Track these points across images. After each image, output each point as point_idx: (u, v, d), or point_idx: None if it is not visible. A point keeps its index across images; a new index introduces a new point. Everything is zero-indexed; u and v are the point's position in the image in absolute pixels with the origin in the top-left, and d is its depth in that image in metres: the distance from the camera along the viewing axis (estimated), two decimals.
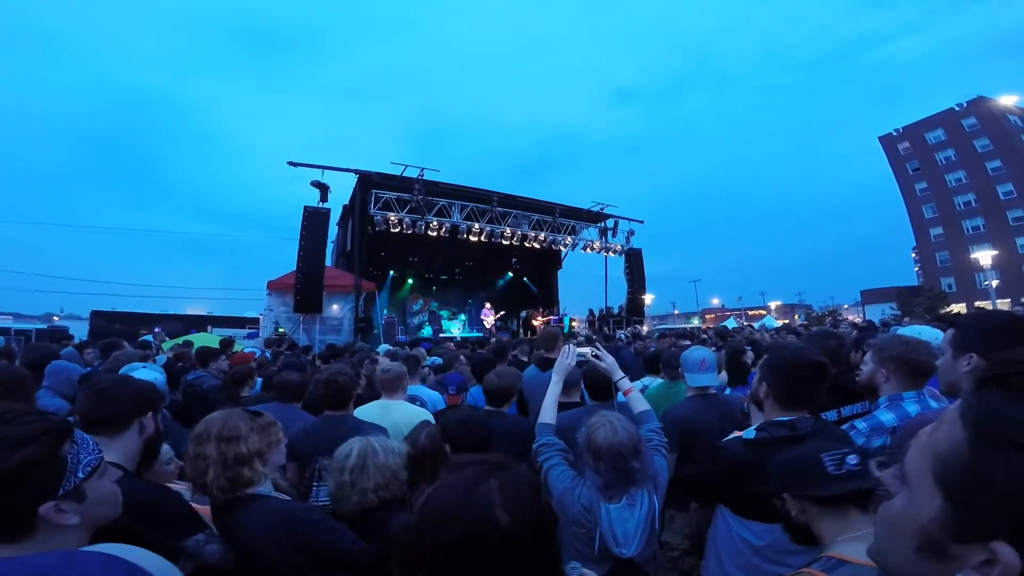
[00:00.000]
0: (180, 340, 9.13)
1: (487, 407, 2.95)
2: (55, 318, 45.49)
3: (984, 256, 26.93)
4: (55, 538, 0.92)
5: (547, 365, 3.83)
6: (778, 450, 1.37)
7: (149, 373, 2.40)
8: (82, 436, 1.01)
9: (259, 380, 3.99)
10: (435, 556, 0.76)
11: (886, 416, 1.81)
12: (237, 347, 7.95)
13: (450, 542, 0.76)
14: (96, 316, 19.94)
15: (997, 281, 28.71)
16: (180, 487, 1.84)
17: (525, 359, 5.31)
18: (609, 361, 2.37)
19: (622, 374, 2.36)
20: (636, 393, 2.29)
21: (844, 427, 1.91)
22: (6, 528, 0.89)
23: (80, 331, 17.71)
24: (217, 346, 6.17)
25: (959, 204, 42.68)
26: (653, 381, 3.88)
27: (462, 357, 4.86)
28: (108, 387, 1.65)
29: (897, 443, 1.61)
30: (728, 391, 3.50)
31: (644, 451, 1.80)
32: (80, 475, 0.95)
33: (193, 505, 1.71)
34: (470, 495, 0.79)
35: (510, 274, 22.99)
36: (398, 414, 2.80)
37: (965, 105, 42.59)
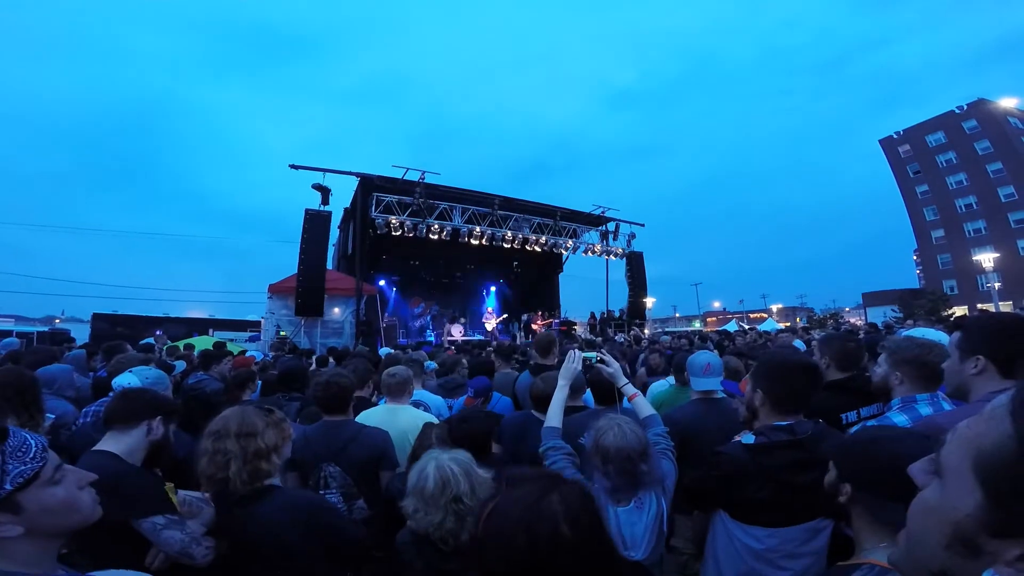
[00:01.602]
0: (181, 344, 9.15)
1: (533, 412, 2.86)
2: (56, 321, 45.64)
3: (986, 258, 26.87)
4: (4, 549, 0.90)
5: (541, 371, 3.80)
6: (891, 439, 1.20)
7: (126, 378, 2.42)
8: (22, 441, 0.96)
9: (259, 383, 3.99)
10: (503, 571, 0.80)
11: (899, 418, 1.80)
12: (231, 348, 7.97)
13: (517, 558, 0.79)
14: (98, 319, 19.97)
15: (999, 284, 28.70)
16: (194, 496, 1.84)
17: (530, 363, 5.28)
18: (615, 367, 2.36)
19: (626, 380, 2.35)
20: (641, 398, 2.28)
21: (855, 428, 1.90)
22: None
23: (82, 334, 17.73)
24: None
25: (960, 206, 42.69)
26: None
27: (464, 361, 4.84)
28: (130, 392, 1.96)
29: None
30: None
31: (652, 454, 1.79)
32: (8, 487, 0.90)
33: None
34: (535, 511, 0.81)
35: (511, 277, 23.03)
36: (404, 419, 2.79)
37: (965, 107, 42.62)
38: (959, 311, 29.54)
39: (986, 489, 0.49)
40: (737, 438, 1.86)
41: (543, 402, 2.70)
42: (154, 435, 1.84)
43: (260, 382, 4.10)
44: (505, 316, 20.88)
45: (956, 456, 0.54)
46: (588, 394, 3.34)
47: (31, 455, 0.96)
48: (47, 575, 0.96)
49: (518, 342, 12.81)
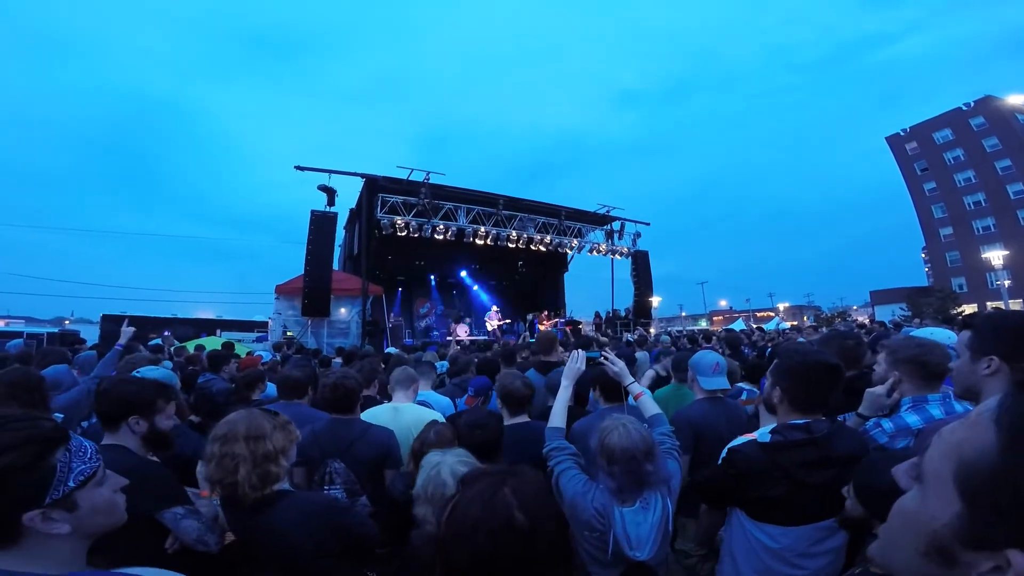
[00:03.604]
0: (190, 344, 9.21)
1: (511, 419, 2.71)
2: (66, 322, 46.06)
3: (995, 256, 26.65)
4: (45, 547, 0.91)
5: (545, 369, 3.81)
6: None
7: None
8: (80, 443, 0.99)
9: (271, 385, 4.00)
10: (468, 564, 0.86)
11: (911, 418, 1.79)
12: (239, 349, 8.03)
13: (480, 550, 0.85)
14: (107, 320, 20.06)
15: (1009, 281, 28.38)
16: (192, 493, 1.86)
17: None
18: (620, 366, 2.36)
19: (632, 379, 2.35)
20: (647, 396, 2.29)
21: (869, 424, 1.90)
22: None
23: (91, 335, 17.89)
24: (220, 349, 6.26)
25: (969, 204, 42.31)
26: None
27: (474, 360, 4.85)
28: (104, 389, 1.80)
29: (919, 447, 1.60)
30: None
31: (658, 454, 1.79)
32: (71, 484, 0.93)
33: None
34: (490, 505, 0.88)
35: (516, 276, 23.04)
36: (408, 417, 2.80)
37: (973, 104, 42.22)
38: (968, 309, 29.29)
39: (965, 499, 0.47)
40: (750, 436, 1.85)
41: (522, 403, 2.69)
42: (140, 432, 1.79)
43: (271, 384, 4.12)
44: (508, 321, 20.83)
45: (937, 462, 0.52)
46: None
47: (89, 455, 1.00)
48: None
49: (521, 342, 12.80)
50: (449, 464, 1.65)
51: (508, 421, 2.66)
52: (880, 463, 1.29)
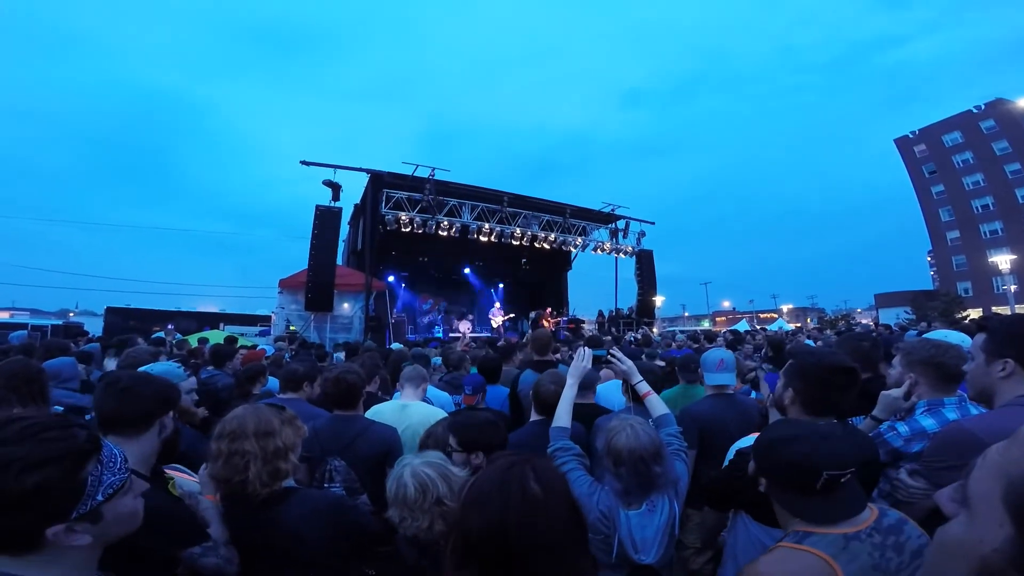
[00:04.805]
0: (194, 338, 9.24)
1: (538, 416, 2.62)
2: (71, 314, 46.30)
3: (1002, 260, 26.47)
4: (64, 555, 0.88)
5: (539, 368, 3.74)
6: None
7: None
8: (110, 453, 0.94)
9: (273, 379, 3.99)
10: (483, 533, 0.87)
11: (927, 421, 1.75)
12: (243, 341, 8.07)
13: (494, 515, 0.87)
14: (111, 312, 20.21)
15: (1015, 286, 28.21)
16: (191, 479, 1.83)
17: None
18: (627, 363, 2.33)
19: (640, 377, 2.33)
20: (654, 396, 2.26)
21: (883, 427, 1.86)
22: (11, 543, 0.85)
23: (95, 327, 18.00)
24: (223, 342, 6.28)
25: (976, 207, 42.10)
26: None
27: (467, 357, 4.81)
28: (130, 385, 1.56)
29: (932, 451, 1.56)
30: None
31: (666, 456, 1.76)
32: (99, 498, 0.89)
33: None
34: (507, 474, 0.91)
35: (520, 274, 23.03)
36: (416, 415, 2.78)
37: (983, 107, 42.00)
38: (974, 313, 29.13)
39: (1017, 522, 0.45)
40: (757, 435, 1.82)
41: (548, 405, 2.51)
42: (166, 432, 1.60)
43: (274, 378, 4.10)
44: (512, 315, 20.82)
45: (985, 484, 0.49)
46: (598, 392, 3.32)
47: (118, 466, 0.95)
48: None
49: (524, 340, 12.80)
50: (413, 466, 1.60)
51: (534, 418, 2.67)
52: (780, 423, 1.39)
